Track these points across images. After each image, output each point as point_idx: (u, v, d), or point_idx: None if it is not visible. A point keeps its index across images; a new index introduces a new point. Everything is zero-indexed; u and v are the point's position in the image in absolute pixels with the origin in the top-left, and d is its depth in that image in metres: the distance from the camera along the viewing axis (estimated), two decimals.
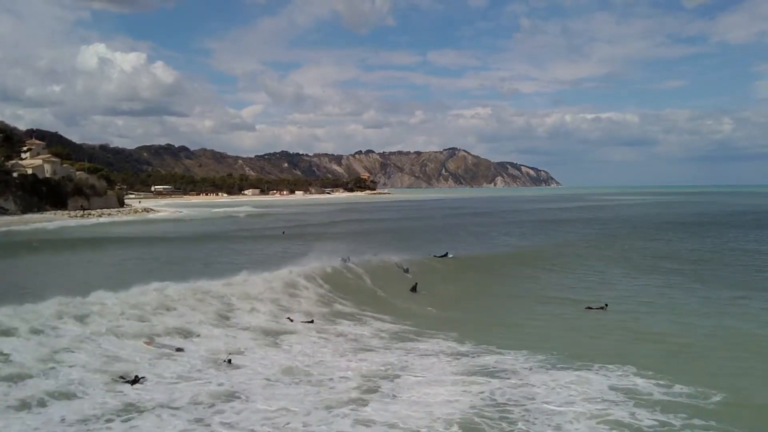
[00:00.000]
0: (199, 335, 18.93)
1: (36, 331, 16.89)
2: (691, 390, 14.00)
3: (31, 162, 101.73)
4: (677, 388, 14.14)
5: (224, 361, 16.16)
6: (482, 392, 14.09)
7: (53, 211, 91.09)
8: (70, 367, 14.97)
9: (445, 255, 35.81)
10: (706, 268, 35.06)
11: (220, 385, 14.40)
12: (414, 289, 27.67)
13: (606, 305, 23.79)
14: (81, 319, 18.38)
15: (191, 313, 20.80)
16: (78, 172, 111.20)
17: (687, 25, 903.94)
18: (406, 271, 30.13)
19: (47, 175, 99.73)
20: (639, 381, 14.69)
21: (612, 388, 14.23)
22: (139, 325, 18.86)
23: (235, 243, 52.52)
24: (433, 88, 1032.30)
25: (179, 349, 17.05)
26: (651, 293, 27.46)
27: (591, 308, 23.69)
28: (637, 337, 19.69)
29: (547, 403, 13.42)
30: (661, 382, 14.55)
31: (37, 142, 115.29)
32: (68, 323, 17.93)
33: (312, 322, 21.30)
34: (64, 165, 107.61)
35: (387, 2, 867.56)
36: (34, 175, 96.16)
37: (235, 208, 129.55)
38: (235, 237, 59.25)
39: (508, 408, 13.17)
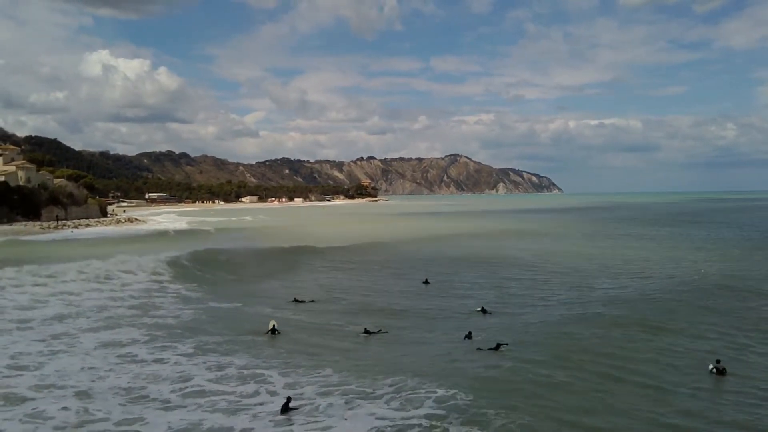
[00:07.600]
0: None
1: None
2: None
3: (4, 168, 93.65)
4: None
5: None
6: None
7: (24, 222, 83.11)
8: None
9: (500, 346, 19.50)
10: None
11: None
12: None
13: (720, 366, 15.65)
14: None
15: None
16: (57, 180, 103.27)
17: (689, 31, 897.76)
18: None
19: (21, 183, 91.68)
20: None
21: None
22: None
23: None
24: (435, 94, 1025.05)
25: None
26: None
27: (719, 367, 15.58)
28: None
29: None
30: None
31: (12, 147, 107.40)
32: None
33: None
34: (41, 172, 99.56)
35: (395, 8, 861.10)
36: (5, 182, 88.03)
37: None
38: None
39: None
